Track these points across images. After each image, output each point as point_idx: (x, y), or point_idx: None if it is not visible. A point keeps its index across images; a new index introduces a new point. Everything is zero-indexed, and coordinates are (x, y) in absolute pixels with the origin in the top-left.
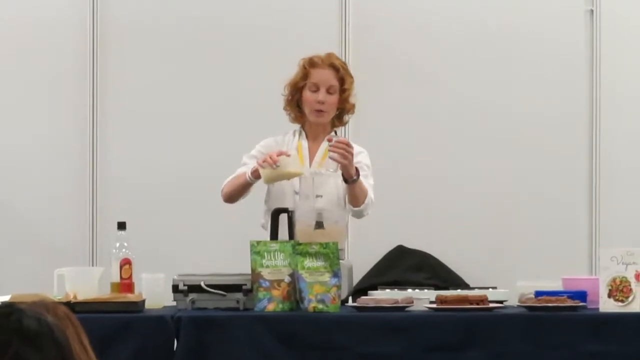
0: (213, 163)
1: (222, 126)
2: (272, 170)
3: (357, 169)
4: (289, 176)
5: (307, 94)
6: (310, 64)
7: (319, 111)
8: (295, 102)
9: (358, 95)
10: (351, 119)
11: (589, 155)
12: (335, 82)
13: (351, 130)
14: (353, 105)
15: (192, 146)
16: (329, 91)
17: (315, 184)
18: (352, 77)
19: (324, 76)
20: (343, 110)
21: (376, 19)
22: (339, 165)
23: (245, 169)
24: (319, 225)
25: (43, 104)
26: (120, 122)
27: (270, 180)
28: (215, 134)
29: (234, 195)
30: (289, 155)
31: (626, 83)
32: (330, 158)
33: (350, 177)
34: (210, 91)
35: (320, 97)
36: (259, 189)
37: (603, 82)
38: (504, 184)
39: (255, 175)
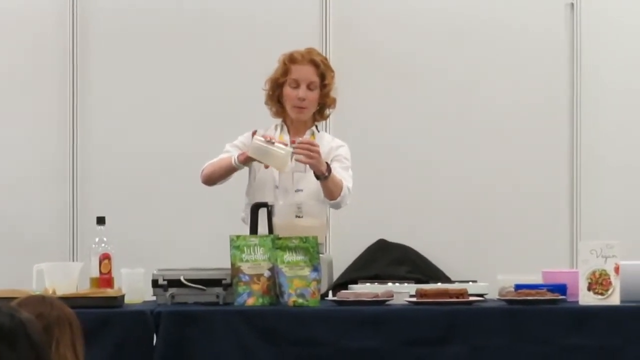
0: (193, 158)
1: (202, 121)
2: (264, 145)
3: (328, 165)
4: (272, 163)
5: (288, 90)
6: (291, 60)
7: (300, 107)
8: (276, 98)
9: (339, 89)
10: (332, 113)
11: (570, 148)
12: (315, 78)
13: (332, 125)
14: (334, 100)
15: (173, 141)
16: (309, 87)
17: (295, 178)
18: (332, 71)
19: (304, 72)
20: (324, 105)
21: (357, 12)
22: (308, 165)
23: (230, 154)
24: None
25: (22, 96)
26: (101, 116)
27: (255, 153)
28: (195, 129)
29: (214, 176)
30: (286, 145)
31: (607, 76)
32: (297, 160)
33: (322, 174)
34: (192, 85)
35: (300, 94)
36: (240, 182)
37: (584, 75)
38: (486, 177)
39: (241, 159)
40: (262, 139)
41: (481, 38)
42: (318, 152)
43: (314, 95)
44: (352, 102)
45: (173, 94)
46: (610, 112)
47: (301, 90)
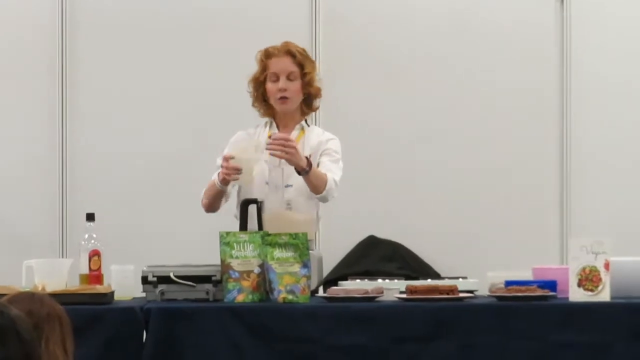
0: (183, 154)
1: (192, 118)
2: (241, 176)
3: (308, 159)
4: (253, 167)
5: (269, 85)
6: (266, 55)
7: (283, 98)
8: (261, 97)
9: (329, 84)
10: (322, 108)
11: (559, 145)
12: (294, 68)
13: (322, 120)
14: (319, 89)
15: (162, 137)
16: (289, 78)
17: (285, 174)
18: (312, 61)
19: (282, 64)
20: (310, 95)
21: (347, 7)
22: (285, 160)
23: (215, 176)
24: None
25: (11, 94)
26: (90, 113)
27: (249, 182)
28: (185, 126)
29: (213, 205)
30: (233, 158)
31: (596, 73)
32: (273, 156)
33: (302, 169)
34: (181, 82)
35: (280, 84)
36: None
37: (573, 72)
38: (476, 173)
39: (225, 182)
40: (231, 177)
41: (471, 33)
42: (294, 148)
43: (296, 85)
44: (341, 97)
45: (162, 91)
46: (600, 108)
47: (281, 82)
